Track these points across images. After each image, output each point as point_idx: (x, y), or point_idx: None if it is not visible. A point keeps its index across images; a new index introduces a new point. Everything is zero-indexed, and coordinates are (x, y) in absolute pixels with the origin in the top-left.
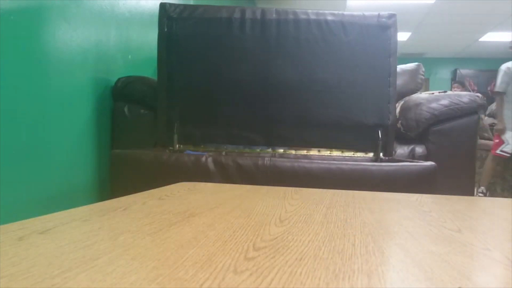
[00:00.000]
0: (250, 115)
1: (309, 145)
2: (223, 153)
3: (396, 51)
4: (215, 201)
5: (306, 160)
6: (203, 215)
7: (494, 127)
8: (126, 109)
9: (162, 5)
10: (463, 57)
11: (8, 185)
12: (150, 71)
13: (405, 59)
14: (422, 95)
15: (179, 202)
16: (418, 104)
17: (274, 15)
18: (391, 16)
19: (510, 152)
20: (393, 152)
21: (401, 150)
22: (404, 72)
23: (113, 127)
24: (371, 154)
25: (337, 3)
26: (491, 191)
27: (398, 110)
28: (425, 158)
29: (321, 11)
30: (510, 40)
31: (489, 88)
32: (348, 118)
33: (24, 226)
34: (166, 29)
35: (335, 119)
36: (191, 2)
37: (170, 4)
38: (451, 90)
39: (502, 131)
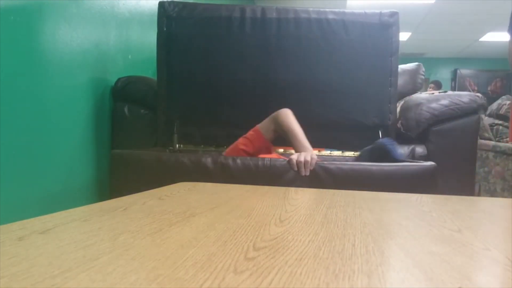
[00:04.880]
0: (250, 115)
1: None
2: (223, 153)
3: (398, 50)
4: (215, 201)
5: None
6: (203, 215)
7: None
8: (126, 109)
9: (161, 4)
10: (463, 57)
11: (8, 185)
12: (150, 71)
13: (405, 59)
14: (422, 95)
15: (179, 202)
16: (418, 104)
17: (274, 14)
18: (393, 14)
19: None
20: None
21: (401, 150)
22: (404, 72)
23: (113, 127)
24: None
25: (337, 3)
26: (491, 191)
27: (398, 110)
28: (425, 158)
29: (322, 10)
30: (510, 40)
31: (489, 88)
32: (349, 118)
33: (24, 226)
34: (165, 29)
35: (336, 119)
36: (191, 0)
37: (169, 3)
38: (428, 90)
39: None
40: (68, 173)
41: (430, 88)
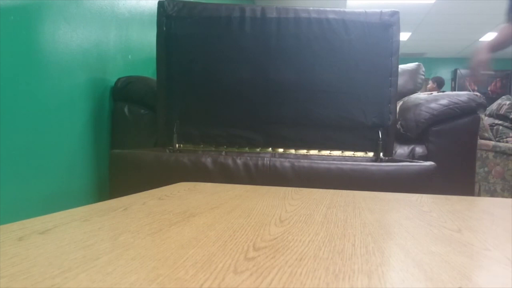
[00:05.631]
0: (250, 115)
1: (309, 145)
2: (223, 153)
3: (398, 50)
4: (215, 201)
5: (306, 160)
6: (203, 215)
7: None
8: (126, 109)
9: (161, 4)
10: (463, 57)
11: (8, 185)
12: (150, 71)
13: (405, 59)
14: (421, 95)
15: (179, 202)
16: (417, 105)
17: (274, 14)
18: (394, 14)
19: None
20: (394, 152)
21: (401, 150)
22: (404, 72)
23: (113, 127)
24: (371, 154)
25: (338, 2)
26: (491, 191)
27: (397, 110)
28: (425, 158)
29: (322, 9)
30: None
31: (489, 88)
32: (349, 118)
33: (24, 226)
34: (165, 28)
35: (335, 119)
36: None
37: (169, 2)
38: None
39: None
40: (68, 173)
41: (429, 85)
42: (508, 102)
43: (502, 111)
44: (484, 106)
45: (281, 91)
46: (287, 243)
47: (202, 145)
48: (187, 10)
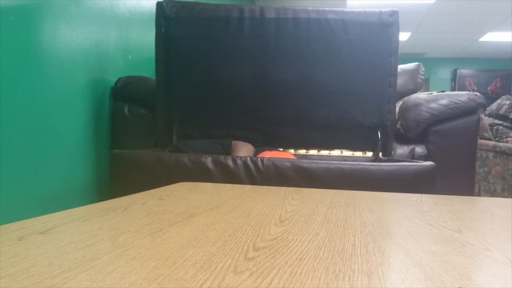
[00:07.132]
0: (250, 115)
1: (309, 145)
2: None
3: (397, 50)
4: (215, 201)
5: (306, 160)
6: (203, 215)
7: None
8: (126, 109)
9: (159, 4)
10: (463, 57)
11: (8, 185)
12: (150, 71)
13: (405, 59)
14: (421, 95)
15: (179, 202)
16: (417, 105)
17: (273, 14)
18: (393, 13)
19: None
20: (393, 152)
21: (401, 150)
22: (404, 72)
23: (113, 127)
24: (370, 154)
25: (338, 2)
26: (491, 191)
27: (397, 110)
28: (425, 158)
29: (321, 9)
30: (510, 40)
31: (489, 88)
32: (348, 118)
33: (24, 226)
34: (163, 29)
35: (335, 119)
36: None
37: (167, 3)
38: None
39: None
40: (68, 173)
41: None
42: (508, 102)
43: (502, 111)
44: (484, 106)
45: (280, 91)
46: (287, 243)
47: None
48: (185, 11)
